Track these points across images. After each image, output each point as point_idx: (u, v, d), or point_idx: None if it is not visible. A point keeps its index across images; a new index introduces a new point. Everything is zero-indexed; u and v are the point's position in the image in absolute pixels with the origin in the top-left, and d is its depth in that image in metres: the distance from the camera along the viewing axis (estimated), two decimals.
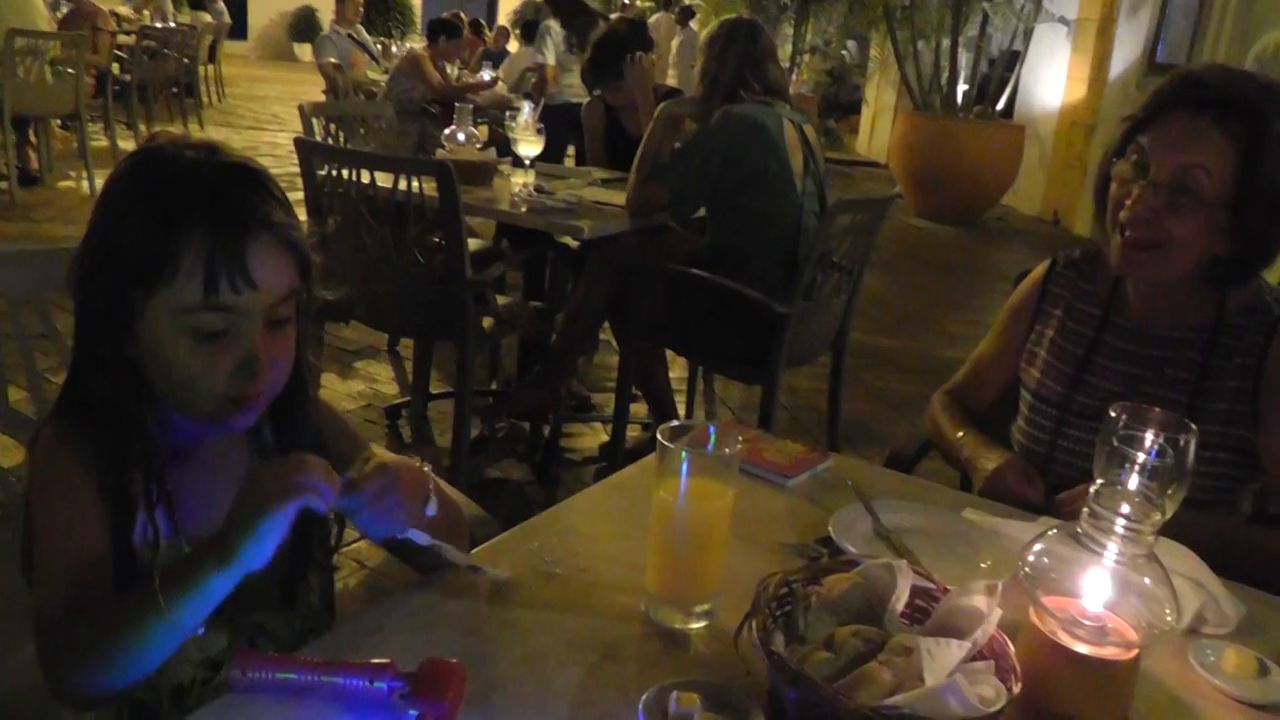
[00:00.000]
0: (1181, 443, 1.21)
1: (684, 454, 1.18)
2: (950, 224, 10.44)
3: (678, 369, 4.17)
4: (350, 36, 9.73)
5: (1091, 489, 1.07)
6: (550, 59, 7.93)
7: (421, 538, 1.21)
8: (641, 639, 1.20)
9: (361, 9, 10.35)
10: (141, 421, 1.21)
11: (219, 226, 1.14)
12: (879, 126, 15.70)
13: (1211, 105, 1.63)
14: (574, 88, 7.65)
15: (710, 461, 1.21)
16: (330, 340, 4.95)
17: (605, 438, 4.22)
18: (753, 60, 3.62)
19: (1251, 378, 1.73)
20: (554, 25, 7.97)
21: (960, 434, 2.00)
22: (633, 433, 4.07)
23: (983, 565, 1.39)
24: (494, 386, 4.59)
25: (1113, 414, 1.26)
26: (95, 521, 1.17)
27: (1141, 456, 1.15)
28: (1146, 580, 1.06)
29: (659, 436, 1.20)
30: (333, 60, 9.72)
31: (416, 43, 10.43)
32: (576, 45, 7.67)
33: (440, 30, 8.69)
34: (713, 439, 1.23)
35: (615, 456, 3.80)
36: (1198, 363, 1.77)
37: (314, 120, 4.40)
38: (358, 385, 4.61)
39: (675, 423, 1.22)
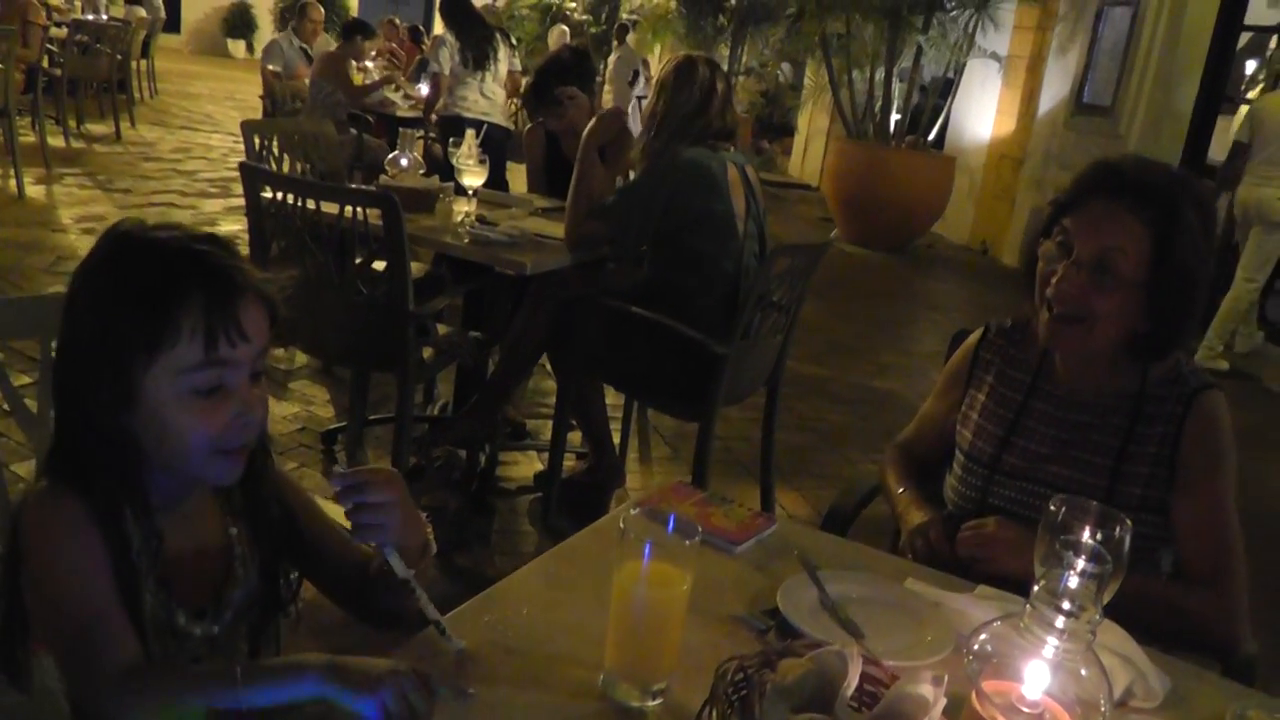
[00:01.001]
0: (1117, 536, 1.29)
1: (647, 543, 1.22)
2: (881, 251, 10.59)
3: (613, 395, 4.21)
4: (302, 49, 9.69)
5: (1034, 586, 1.14)
6: (445, 70, 7.96)
7: (401, 568, 1.29)
8: (599, 717, 1.24)
9: (320, 30, 10.30)
10: (137, 483, 1.28)
11: (212, 289, 1.24)
12: (812, 150, 15.86)
13: (1127, 192, 1.77)
14: (466, 101, 7.69)
15: (671, 549, 1.26)
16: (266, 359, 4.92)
17: (541, 466, 4.24)
18: (705, 104, 3.66)
19: (1170, 444, 1.84)
20: (450, 38, 7.98)
21: (900, 490, 2.11)
22: (568, 462, 4.10)
23: (926, 639, 1.45)
24: (430, 412, 4.59)
25: (1052, 508, 1.33)
26: (108, 575, 1.23)
27: (1081, 563, 1.21)
28: (1083, 672, 1.13)
29: (621, 523, 1.24)
30: (273, 68, 9.66)
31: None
32: (471, 60, 7.72)
33: (356, 30, 8.69)
34: (673, 524, 1.27)
35: (551, 488, 3.83)
36: (1123, 428, 1.87)
37: (255, 138, 4.38)
38: (293, 407, 4.59)
39: (636, 509, 1.26)
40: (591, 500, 4.01)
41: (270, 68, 9.71)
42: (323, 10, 10.84)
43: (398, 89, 9.33)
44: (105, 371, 1.23)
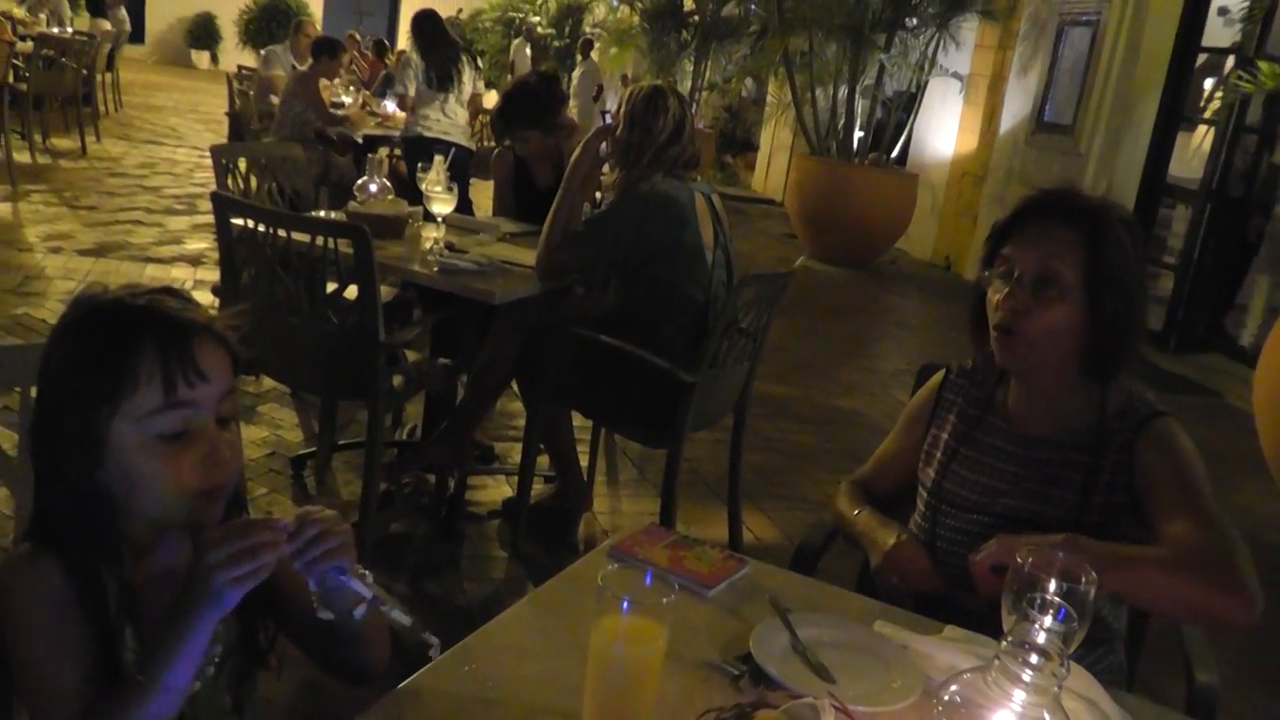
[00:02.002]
0: (1082, 589, 1.33)
1: (624, 601, 1.25)
2: (844, 267, 10.67)
3: (580, 419, 4.24)
4: (294, 67, 9.72)
5: (1002, 641, 1.18)
6: (411, 90, 8.01)
7: (363, 589, 1.31)
8: None
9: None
10: (112, 542, 1.31)
11: (165, 334, 1.27)
12: (775, 165, 15.95)
13: (1058, 210, 1.92)
14: (428, 120, 7.74)
15: (648, 605, 1.29)
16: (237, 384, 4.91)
17: (509, 490, 4.26)
18: (678, 134, 3.69)
19: (1125, 471, 1.90)
20: (415, 57, 8.02)
21: (857, 512, 2.16)
22: (536, 486, 4.12)
23: (894, 685, 1.48)
24: (399, 437, 4.61)
25: (1019, 559, 1.37)
26: (79, 645, 1.26)
27: (1048, 619, 1.26)
28: None
29: (600, 581, 1.27)
30: (279, 74, 9.69)
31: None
32: (435, 80, 7.76)
33: (325, 49, 8.69)
34: (650, 578, 1.31)
35: (520, 514, 3.85)
36: (1084, 463, 1.93)
37: (223, 161, 4.38)
38: (262, 432, 4.59)
39: (612, 562, 1.29)
40: (559, 524, 4.04)
41: (275, 73, 9.70)
42: (316, 28, 10.85)
43: (364, 106, 9.33)
44: (73, 429, 1.26)
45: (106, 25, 14.82)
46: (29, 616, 1.26)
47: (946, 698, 1.24)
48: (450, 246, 3.83)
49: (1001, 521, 1.94)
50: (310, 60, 8.79)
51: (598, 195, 4.27)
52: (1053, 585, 1.34)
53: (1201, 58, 8.99)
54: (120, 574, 1.32)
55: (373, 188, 4.07)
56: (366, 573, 1.32)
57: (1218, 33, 8.63)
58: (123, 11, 16.70)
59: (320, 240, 3.30)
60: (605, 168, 3.89)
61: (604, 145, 3.77)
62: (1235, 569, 1.70)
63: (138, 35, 23.61)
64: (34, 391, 1.35)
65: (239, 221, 3.46)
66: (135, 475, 1.28)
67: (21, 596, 1.27)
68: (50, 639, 1.25)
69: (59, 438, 1.27)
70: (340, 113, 8.72)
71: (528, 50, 19.16)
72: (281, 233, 3.35)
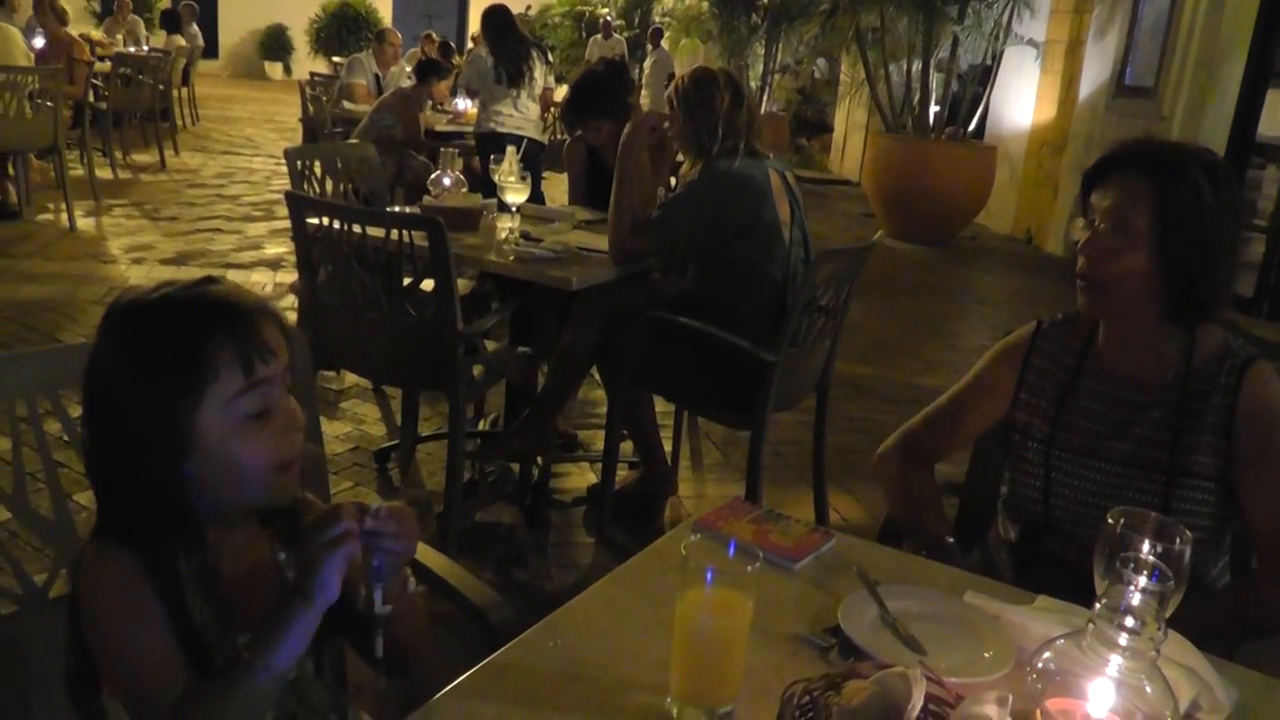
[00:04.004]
0: (1177, 550, 1.29)
1: (709, 570, 1.23)
2: (923, 244, 10.55)
3: (663, 403, 4.22)
4: (376, 76, 9.80)
5: (1096, 604, 1.15)
6: (480, 87, 8.02)
7: (380, 604, 1.32)
8: None
9: (398, 55, 10.42)
10: (194, 529, 1.34)
11: (233, 319, 1.31)
12: (850, 145, 15.81)
13: (1136, 160, 1.93)
14: (500, 115, 7.74)
15: (733, 576, 1.27)
16: (317, 380, 4.97)
17: (594, 477, 4.27)
18: (732, 102, 3.66)
19: (1225, 414, 1.93)
20: (484, 54, 8.02)
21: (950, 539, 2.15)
22: (620, 472, 4.11)
23: (986, 655, 1.45)
24: (482, 427, 4.63)
25: (1109, 521, 1.33)
26: (159, 624, 1.28)
27: (1142, 580, 1.21)
28: (1148, 689, 1.13)
29: (683, 550, 1.26)
30: (360, 82, 9.82)
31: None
32: (506, 76, 7.75)
33: (431, 72, 8.72)
34: (734, 549, 1.29)
35: (605, 499, 3.85)
36: (1175, 404, 1.96)
37: (298, 163, 4.42)
38: (345, 427, 4.64)
39: (695, 534, 1.28)
40: (645, 510, 4.04)
41: (356, 81, 9.81)
42: (400, 35, 10.95)
43: (436, 106, 9.38)
44: (159, 426, 1.28)
45: (181, 41, 15.07)
46: (110, 606, 1.28)
47: (1040, 666, 1.21)
48: (525, 235, 3.83)
49: (1109, 464, 1.98)
50: (412, 78, 8.85)
51: (672, 181, 4.25)
52: (1146, 546, 1.29)
53: None
54: (203, 559, 1.34)
55: (446, 181, 4.09)
56: (388, 608, 1.33)
57: None
58: (195, 27, 16.98)
59: (395, 234, 3.32)
60: (681, 157, 3.87)
61: (667, 125, 3.75)
62: None
63: (211, 50, 23.99)
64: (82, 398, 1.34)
65: (314, 221, 3.49)
66: (227, 458, 1.30)
67: (96, 590, 1.29)
68: (136, 626, 1.27)
69: (141, 436, 1.28)
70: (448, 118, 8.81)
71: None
72: (357, 228, 3.38)
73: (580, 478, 4.34)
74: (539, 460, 4.09)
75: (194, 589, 1.32)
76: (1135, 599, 1.16)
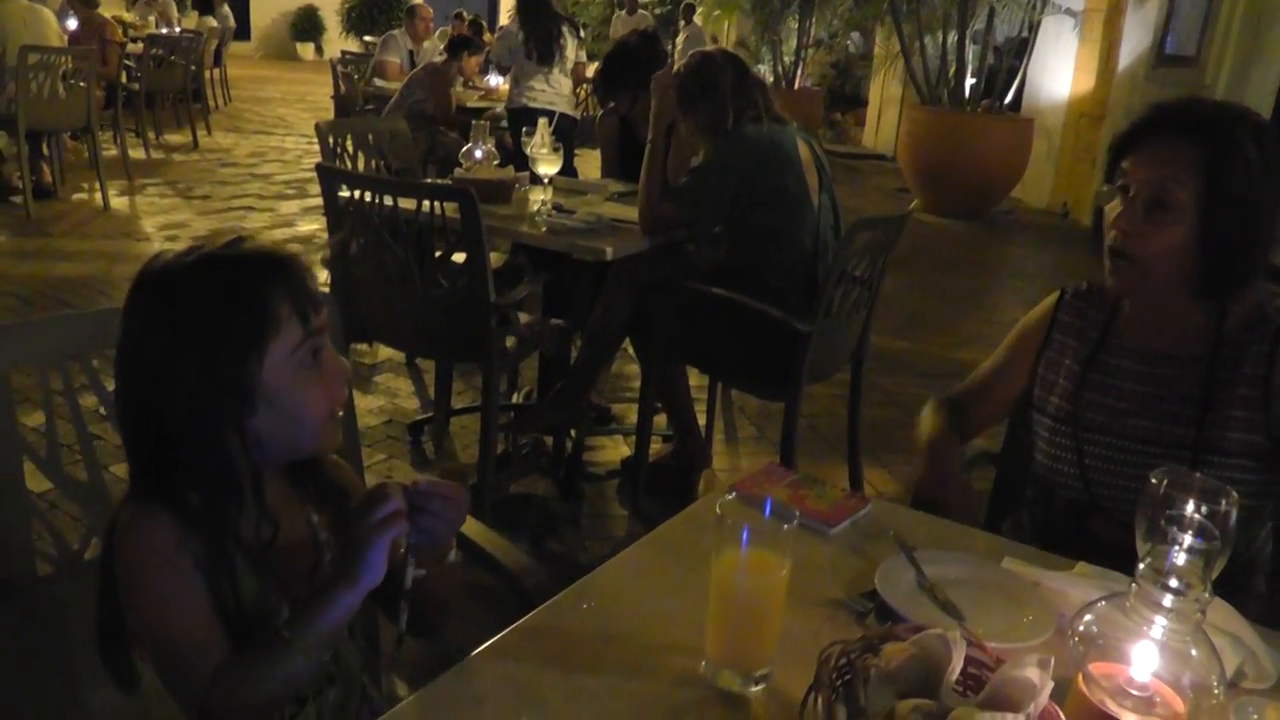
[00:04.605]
0: (1223, 510, 1.25)
1: (744, 529, 1.22)
2: (959, 219, 10.45)
3: (695, 375, 4.21)
4: (410, 53, 9.80)
5: (1140, 564, 1.12)
6: (510, 63, 7.99)
7: (409, 579, 1.31)
8: (703, 704, 1.24)
9: (430, 30, 10.39)
10: (257, 482, 1.34)
11: (285, 272, 1.32)
12: (885, 119, 15.67)
13: (1177, 123, 1.81)
14: (533, 90, 7.70)
15: (768, 534, 1.25)
16: (350, 355, 4.98)
17: (627, 450, 4.26)
18: (735, 79, 3.64)
19: (1260, 385, 1.82)
20: (514, 29, 7.98)
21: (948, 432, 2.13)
22: (654, 445, 4.10)
23: (1025, 620, 1.43)
24: (515, 400, 4.62)
25: (1154, 480, 1.30)
26: (200, 590, 1.28)
27: (1187, 539, 1.18)
28: (1194, 652, 1.10)
29: (718, 509, 1.24)
30: (394, 59, 9.84)
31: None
32: (536, 53, 7.70)
33: (463, 47, 8.70)
34: (770, 509, 1.27)
35: (639, 472, 3.84)
36: (1203, 376, 1.85)
37: (329, 137, 4.41)
38: (378, 400, 4.65)
39: (730, 493, 1.26)
40: (679, 482, 4.02)
41: (390, 58, 9.81)
42: (431, 10, 10.93)
43: (467, 83, 9.35)
44: (225, 385, 1.27)
45: (213, 23, 15.13)
46: (151, 569, 1.27)
47: (1082, 629, 1.18)
48: (558, 207, 3.82)
49: (1135, 444, 1.88)
50: (444, 54, 8.82)
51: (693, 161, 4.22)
52: (1190, 506, 1.26)
53: None
54: (260, 515, 1.34)
55: (478, 154, 4.07)
56: (421, 572, 1.32)
57: None
58: (227, 9, 17.03)
59: (427, 206, 3.31)
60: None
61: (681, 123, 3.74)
62: None
63: (243, 31, 24.06)
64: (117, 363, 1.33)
65: (345, 194, 3.48)
66: (289, 409, 1.32)
67: (142, 551, 1.28)
68: (177, 592, 1.26)
69: (205, 396, 1.27)
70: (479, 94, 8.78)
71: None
72: (388, 200, 3.37)
73: (614, 450, 4.33)
74: (572, 433, 4.09)
75: (244, 549, 1.32)
76: (1180, 559, 1.13)
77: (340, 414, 1.39)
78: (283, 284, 1.30)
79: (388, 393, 4.77)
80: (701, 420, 4.32)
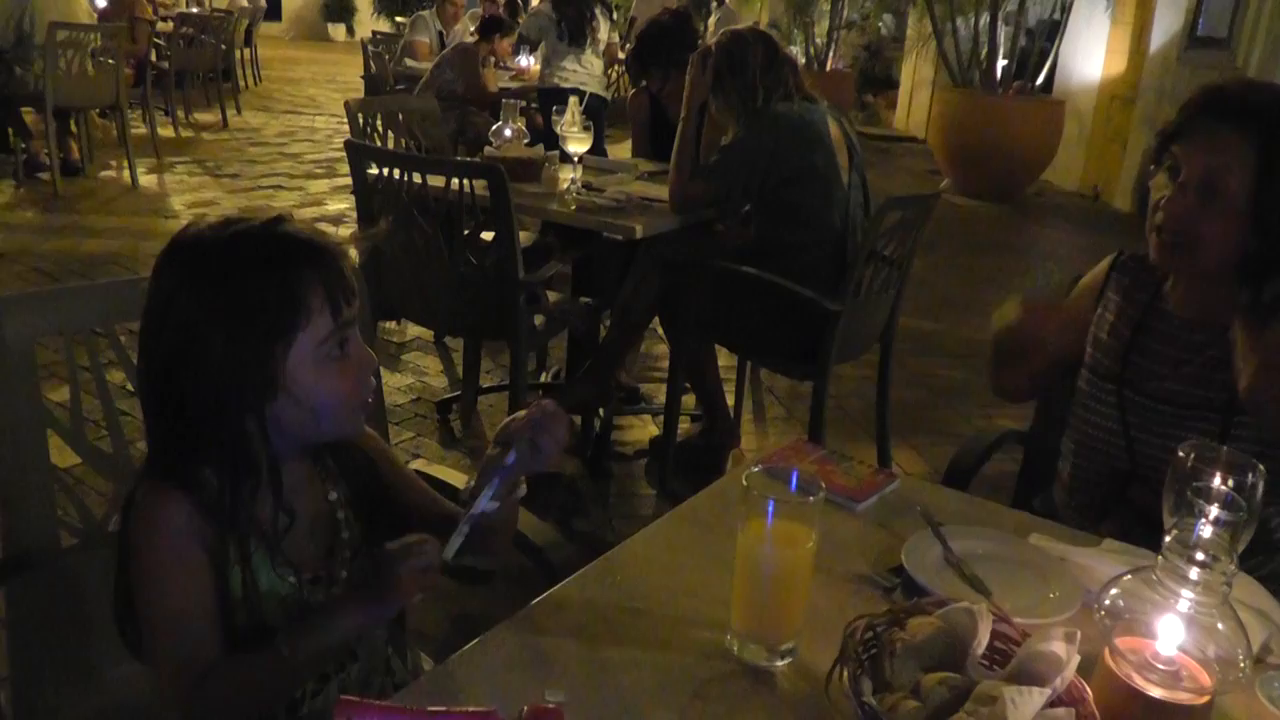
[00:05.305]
0: (1249, 483, 1.25)
1: (770, 501, 1.22)
2: (990, 201, 10.39)
3: (724, 356, 4.20)
4: (440, 33, 9.81)
5: (1166, 537, 1.11)
6: (541, 42, 7.98)
7: (486, 503, 1.32)
8: (729, 677, 1.24)
9: (460, 14, 10.38)
10: (273, 468, 1.32)
11: (322, 261, 1.28)
12: (916, 102, 15.59)
13: (1232, 111, 1.78)
14: (565, 71, 7.68)
15: (795, 507, 1.25)
16: (379, 333, 5.00)
17: (655, 430, 4.26)
18: (765, 57, 3.61)
19: None
20: (546, 10, 7.96)
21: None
22: (683, 425, 4.10)
23: (1051, 596, 1.42)
24: (544, 379, 4.63)
25: (1181, 454, 1.30)
26: (205, 580, 1.28)
27: (1214, 511, 1.18)
28: (1220, 626, 1.10)
29: (744, 481, 1.25)
30: (423, 39, 9.87)
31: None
32: (568, 34, 7.67)
33: (495, 28, 8.69)
34: (796, 481, 1.27)
35: (667, 451, 3.84)
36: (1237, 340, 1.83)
37: (359, 116, 4.42)
38: (407, 379, 4.67)
39: (758, 466, 1.26)
40: (707, 462, 4.02)
41: (420, 39, 9.82)
42: None
43: (499, 63, 9.35)
44: (248, 370, 1.25)
45: (243, 2, 15.14)
46: (159, 552, 1.27)
47: (1108, 603, 1.18)
48: (588, 186, 3.81)
49: (1170, 407, 1.90)
50: (475, 35, 8.81)
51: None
52: (1217, 479, 1.25)
53: None
54: (278, 501, 1.33)
55: (507, 132, 4.07)
56: (495, 504, 1.33)
57: None
58: None
59: (456, 183, 3.32)
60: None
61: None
62: None
63: (275, 13, 24.11)
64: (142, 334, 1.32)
65: (374, 171, 3.49)
66: (311, 399, 1.29)
67: (152, 533, 1.28)
68: (181, 579, 1.27)
69: (227, 378, 1.25)
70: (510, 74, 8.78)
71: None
72: (417, 178, 3.37)
73: (642, 430, 4.33)
74: (600, 412, 4.09)
75: (260, 536, 1.32)
76: (1206, 532, 1.12)
77: (369, 401, 1.37)
78: (318, 273, 1.27)
79: (416, 371, 4.79)
80: (730, 400, 4.32)
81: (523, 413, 1.34)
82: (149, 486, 1.30)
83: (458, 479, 1.73)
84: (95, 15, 8.82)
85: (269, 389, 1.26)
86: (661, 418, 4.04)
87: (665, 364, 4.34)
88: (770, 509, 1.23)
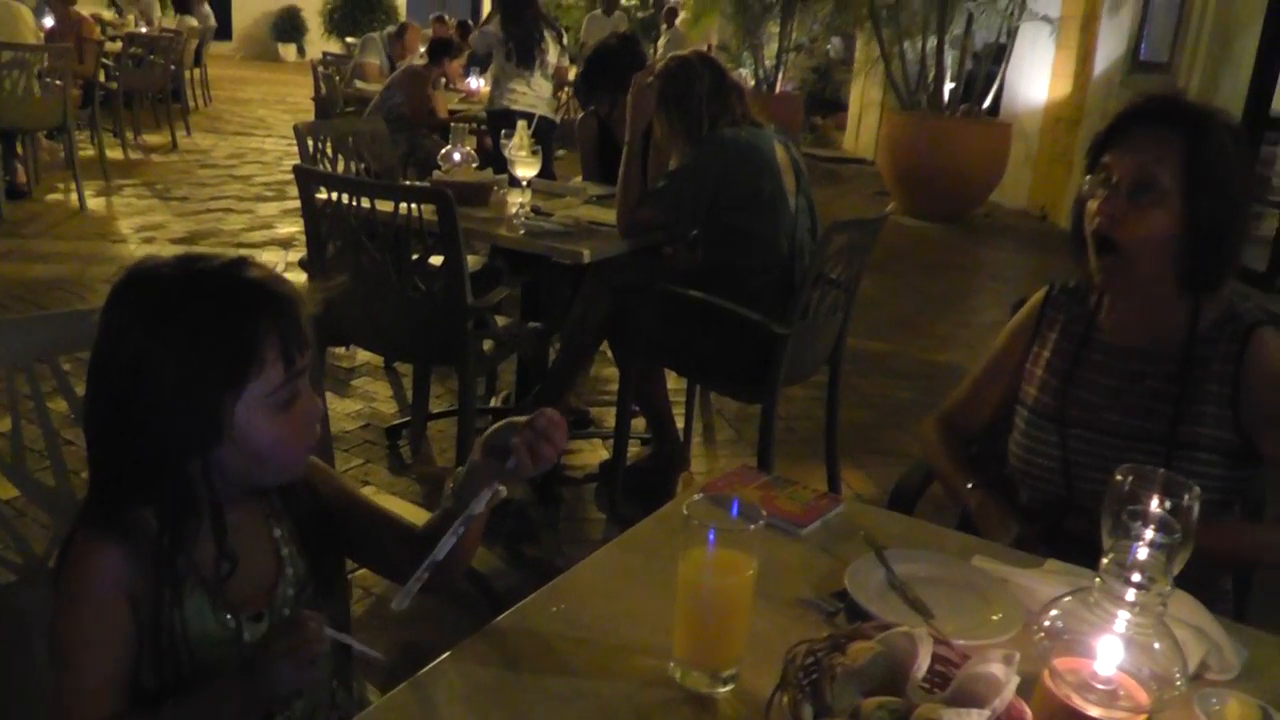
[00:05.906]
0: (1185, 504, 1.27)
1: (710, 529, 1.22)
2: (938, 222, 10.49)
3: (674, 379, 4.21)
4: (390, 56, 9.83)
5: (1103, 559, 1.13)
6: (489, 65, 8.00)
7: (482, 505, 1.37)
8: (671, 705, 1.24)
9: (411, 55, 10.38)
10: (218, 514, 1.31)
11: (279, 311, 1.27)
12: (865, 124, 15.71)
13: (1160, 115, 1.86)
14: (514, 93, 7.68)
15: (735, 534, 1.26)
16: (327, 357, 4.97)
17: (605, 454, 4.25)
18: (712, 83, 3.64)
19: (1230, 383, 1.86)
20: (494, 30, 7.98)
21: (970, 485, 2.08)
22: (632, 448, 4.10)
23: (994, 618, 1.44)
24: (493, 404, 4.62)
25: (1118, 478, 1.32)
26: (119, 636, 1.27)
27: (1149, 533, 1.20)
28: (1156, 645, 1.12)
29: (685, 510, 1.25)
30: (372, 60, 9.93)
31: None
32: (515, 55, 7.67)
33: (444, 51, 8.69)
34: (737, 509, 1.28)
35: (617, 475, 3.84)
36: (1176, 373, 1.90)
37: (309, 139, 4.40)
38: (355, 405, 4.64)
39: (700, 495, 1.27)
40: (657, 485, 4.02)
41: (369, 60, 9.80)
42: (419, 30, 10.93)
43: (449, 85, 9.35)
44: (194, 415, 1.24)
45: (193, 22, 15.03)
46: (79, 604, 1.27)
47: (1047, 624, 1.20)
48: (536, 210, 3.82)
49: (1112, 439, 1.92)
50: (424, 58, 8.80)
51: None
52: (1154, 502, 1.27)
53: None
54: (222, 543, 1.32)
55: (457, 156, 4.07)
56: (501, 489, 1.38)
57: None
58: (208, 8, 16.93)
59: (405, 208, 3.31)
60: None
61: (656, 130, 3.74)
62: None
63: (224, 31, 23.92)
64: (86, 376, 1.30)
65: (323, 196, 3.48)
66: (256, 445, 1.28)
67: (77, 583, 1.27)
68: (94, 636, 1.27)
69: (172, 422, 1.23)
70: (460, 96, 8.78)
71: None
72: (365, 202, 3.36)
73: (592, 454, 4.33)
74: None
75: (202, 582, 1.31)
76: (1143, 554, 1.14)
77: (314, 446, 1.37)
78: (276, 323, 1.26)
79: (365, 396, 4.76)
80: (680, 423, 4.32)
81: (521, 419, 1.35)
82: (82, 537, 1.28)
83: (409, 512, 1.71)
84: (42, 35, 8.71)
85: (214, 435, 1.25)
86: (611, 441, 4.04)
87: (615, 387, 4.34)
88: (711, 538, 1.23)
